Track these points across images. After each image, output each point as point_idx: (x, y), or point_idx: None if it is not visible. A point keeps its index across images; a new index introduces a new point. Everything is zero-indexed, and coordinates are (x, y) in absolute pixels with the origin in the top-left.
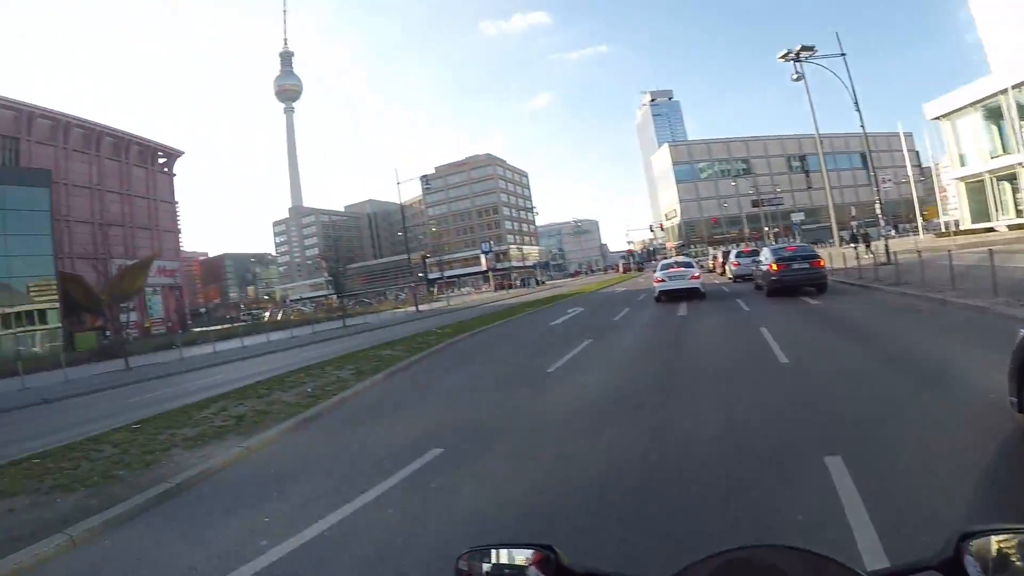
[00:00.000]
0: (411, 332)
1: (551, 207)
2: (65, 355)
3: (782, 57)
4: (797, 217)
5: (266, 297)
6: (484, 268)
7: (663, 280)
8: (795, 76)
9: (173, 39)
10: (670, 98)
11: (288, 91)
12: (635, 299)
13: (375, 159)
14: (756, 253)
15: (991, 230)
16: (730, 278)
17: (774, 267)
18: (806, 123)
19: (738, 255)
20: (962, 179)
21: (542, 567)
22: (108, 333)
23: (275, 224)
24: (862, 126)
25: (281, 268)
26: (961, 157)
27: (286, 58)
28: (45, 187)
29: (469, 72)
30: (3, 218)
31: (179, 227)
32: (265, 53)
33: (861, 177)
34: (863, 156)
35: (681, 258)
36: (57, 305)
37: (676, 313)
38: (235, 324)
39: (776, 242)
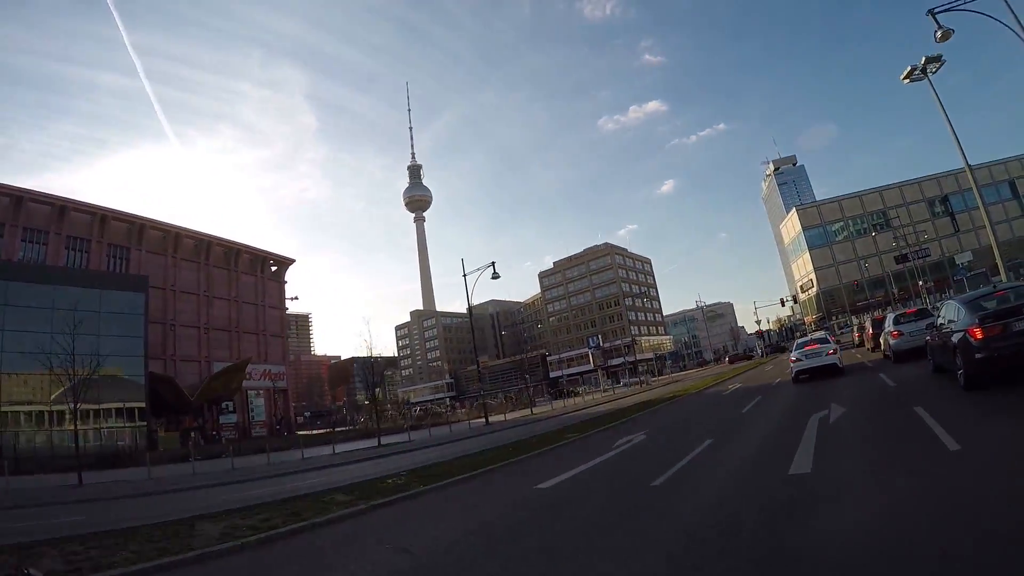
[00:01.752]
0: (403, 466)
1: (684, 293)
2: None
3: (906, 77)
4: (963, 258)
5: (367, 402)
6: (591, 366)
7: (799, 360)
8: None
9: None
10: (794, 164)
11: (417, 201)
12: (734, 415)
13: (504, 259)
14: (925, 314)
15: None
16: (887, 355)
17: (978, 332)
18: (943, 161)
19: (899, 320)
20: None
21: None
22: (192, 433)
23: (397, 328)
24: None
25: (405, 372)
26: None
27: (414, 171)
28: (142, 292)
29: (592, 168)
30: (99, 320)
31: (287, 332)
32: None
33: (1013, 209)
34: (1011, 185)
35: (818, 334)
36: (143, 404)
37: (787, 468)
38: (335, 429)
39: (929, 300)
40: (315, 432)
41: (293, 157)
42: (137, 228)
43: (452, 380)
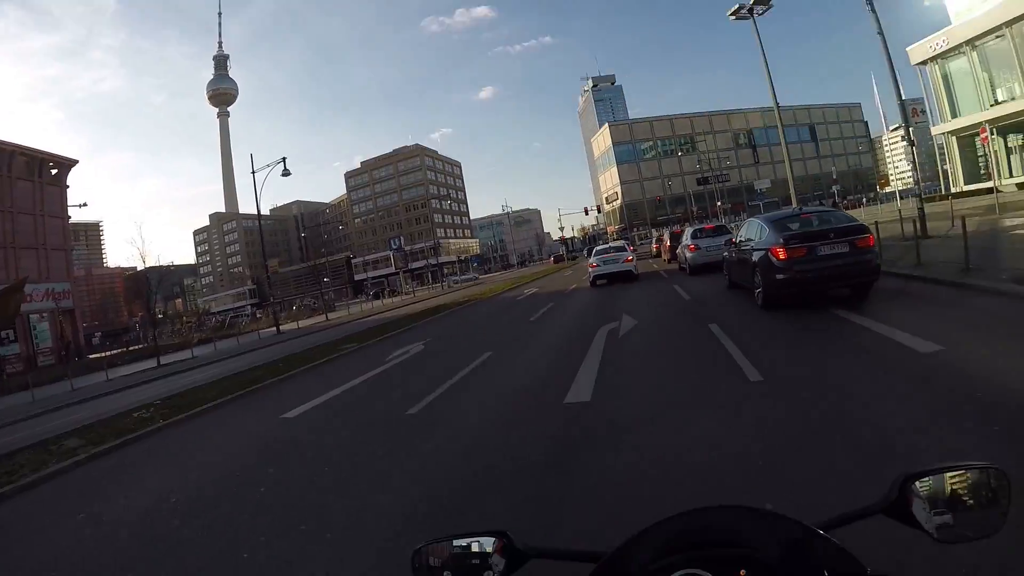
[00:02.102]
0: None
1: (493, 198)
2: None
3: (732, 14)
4: (763, 184)
5: (161, 315)
6: (391, 269)
7: (597, 265)
8: None
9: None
10: (612, 83)
11: (222, 95)
12: (521, 323)
13: (315, 160)
14: (723, 231)
15: (993, 191)
16: (683, 267)
17: (782, 252)
18: (753, 99)
19: (697, 234)
20: (953, 132)
21: (500, 553)
22: None
23: (196, 233)
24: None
25: (206, 279)
26: (952, 107)
27: (220, 62)
28: None
29: (412, 69)
30: None
31: (72, 244)
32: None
33: (809, 151)
34: (811, 129)
35: (617, 243)
36: None
37: (563, 394)
38: (128, 349)
39: (726, 220)
40: (107, 354)
41: (86, 43)
42: None
43: (254, 286)
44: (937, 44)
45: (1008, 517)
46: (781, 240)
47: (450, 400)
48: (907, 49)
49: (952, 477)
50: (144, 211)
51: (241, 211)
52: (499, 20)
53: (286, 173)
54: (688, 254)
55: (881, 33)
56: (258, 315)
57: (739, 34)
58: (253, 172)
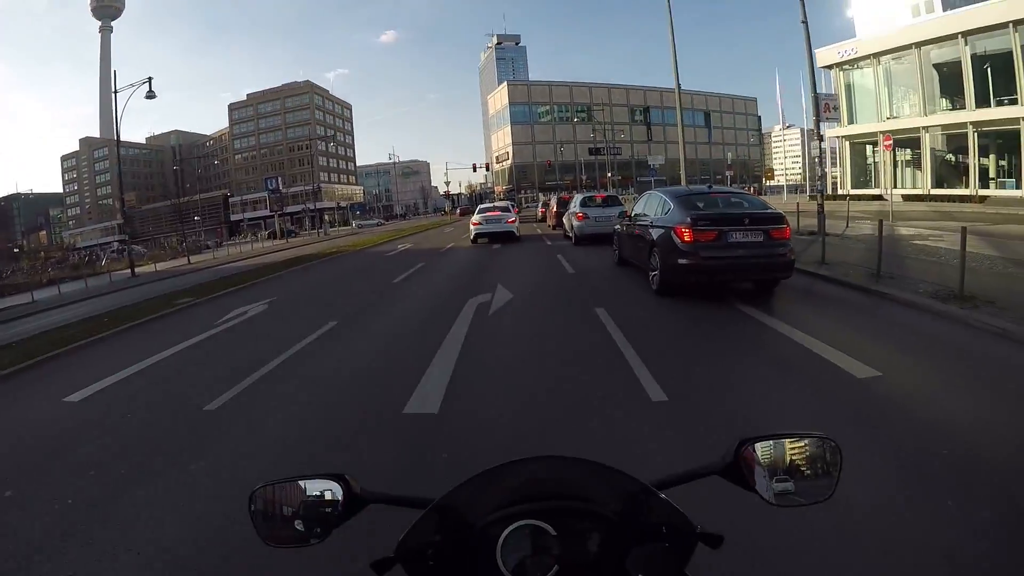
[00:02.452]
0: None
1: (383, 147)
2: None
3: None
4: (656, 160)
5: (17, 249)
6: (268, 211)
7: (480, 223)
8: None
9: None
10: (517, 43)
11: (106, 7)
12: (383, 285)
13: (202, 88)
14: (614, 201)
15: (880, 198)
16: (568, 236)
17: (688, 233)
18: (653, 78)
19: (587, 203)
20: (848, 138)
21: (344, 499)
22: None
23: (63, 159)
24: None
25: (72, 210)
26: (851, 113)
27: None
28: None
29: (313, 1)
30: None
31: None
32: None
33: (701, 136)
34: (706, 115)
35: (501, 203)
36: None
37: (406, 397)
38: None
39: (614, 192)
40: None
41: None
42: None
43: (123, 221)
44: (846, 51)
45: (838, 487)
46: (688, 219)
47: (262, 392)
48: (815, 51)
49: (790, 445)
50: (12, 130)
51: (122, 137)
52: None
53: (151, 95)
54: (575, 222)
55: (805, 22)
56: (124, 252)
57: (653, 12)
58: (115, 91)
